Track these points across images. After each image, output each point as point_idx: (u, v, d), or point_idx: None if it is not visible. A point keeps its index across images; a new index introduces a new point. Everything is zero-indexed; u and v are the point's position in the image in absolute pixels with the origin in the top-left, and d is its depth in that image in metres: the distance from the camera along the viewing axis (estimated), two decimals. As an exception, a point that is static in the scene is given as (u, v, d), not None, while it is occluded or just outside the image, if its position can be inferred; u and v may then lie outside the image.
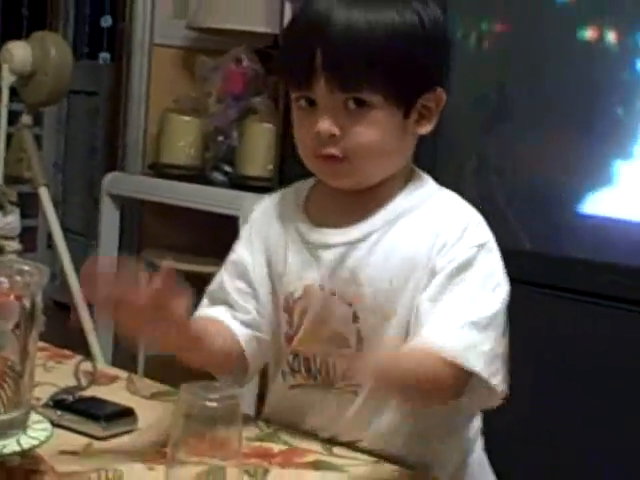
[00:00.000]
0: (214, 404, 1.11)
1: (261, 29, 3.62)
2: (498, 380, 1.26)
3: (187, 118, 4.03)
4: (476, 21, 2.99)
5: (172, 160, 4.00)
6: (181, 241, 4.14)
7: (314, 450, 1.34)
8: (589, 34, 2.77)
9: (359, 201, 1.34)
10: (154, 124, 4.22)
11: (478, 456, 1.44)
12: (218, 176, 3.86)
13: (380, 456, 1.33)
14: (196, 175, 3.94)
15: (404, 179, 1.36)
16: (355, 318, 1.32)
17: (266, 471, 1.24)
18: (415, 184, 1.36)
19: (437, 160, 3.03)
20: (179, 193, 3.79)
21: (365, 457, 1.33)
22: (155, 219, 4.31)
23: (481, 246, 1.30)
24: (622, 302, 2.63)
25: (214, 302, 1.47)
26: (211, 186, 3.79)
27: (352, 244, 1.33)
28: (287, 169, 3.31)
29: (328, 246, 1.34)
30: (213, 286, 1.49)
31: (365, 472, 1.29)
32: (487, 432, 1.47)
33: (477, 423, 1.44)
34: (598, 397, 2.65)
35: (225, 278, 1.47)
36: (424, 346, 1.25)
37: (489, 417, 1.44)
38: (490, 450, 1.49)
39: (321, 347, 1.35)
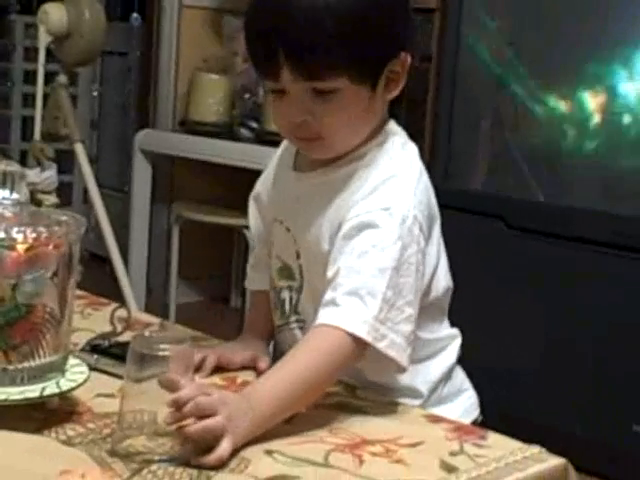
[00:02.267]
0: (166, 352, 1.13)
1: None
2: (384, 344, 1.28)
3: (215, 77, 4.13)
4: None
5: (201, 117, 4.11)
6: (210, 195, 4.26)
7: (338, 393, 1.37)
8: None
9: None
10: (184, 83, 4.33)
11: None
12: (245, 132, 3.96)
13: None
14: (224, 131, 4.04)
15: (372, 139, 1.40)
16: (298, 255, 1.43)
17: (294, 414, 1.25)
18: (376, 143, 1.40)
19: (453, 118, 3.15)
20: (208, 149, 3.90)
21: (386, 399, 1.37)
22: (185, 174, 4.42)
23: (384, 209, 1.32)
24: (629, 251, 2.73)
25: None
26: (238, 142, 3.89)
27: (304, 190, 1.42)
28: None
29: (290, 187, 1.45)
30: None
31: (386, 413, 1.33)
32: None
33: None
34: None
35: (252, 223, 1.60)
36: (317, 332, 1.28)
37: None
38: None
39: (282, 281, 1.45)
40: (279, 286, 1.48)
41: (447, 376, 1.49)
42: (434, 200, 1.42)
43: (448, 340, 1.50)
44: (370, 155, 1.39)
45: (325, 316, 1.29)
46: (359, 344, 1.28)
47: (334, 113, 1.33)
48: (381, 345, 1.28)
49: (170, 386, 1.13)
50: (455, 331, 1.51)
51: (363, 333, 1.27)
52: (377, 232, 1.31)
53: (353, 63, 1.30)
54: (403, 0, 1.38)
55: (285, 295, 1.47)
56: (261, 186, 1.56)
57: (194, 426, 1.12)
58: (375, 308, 1.28)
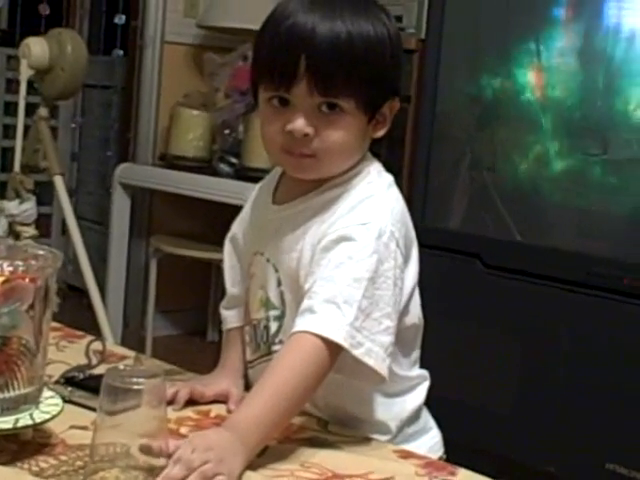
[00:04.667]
0: (140, 386, 1.14)
1: (267, 28, 3.70)
2: (361, 352, 1.30)
3: (196, 112, 4.16)
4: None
5: (181, 152, 4.14)
6: (188, 229, 4.27)
7: (309, 427, 1.39)
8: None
9: (305, 185, 1.44)
10: (165, 117, 4.36)
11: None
12: (224, 167, 3.99)
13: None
14: (203, 166, 4.07)
15: (351, 169, 1.43)
16: (279, 282, 1.45)
17: (265, 447, 1.27)
18: (354, 173, 1.43)
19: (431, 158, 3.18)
20: (187, 183, 3.92)
21: (357, 434, 1.39)
22: (164, 208, 4.43)
23: (361, 224, 1.35)
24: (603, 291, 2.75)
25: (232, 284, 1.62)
26: (218, 177, 3.91)
27: (283, 219, 1.45)
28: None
29: (270, 220, 1.47)
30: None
31: (357, 448, 1.34)
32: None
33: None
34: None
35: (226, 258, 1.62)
36: (294, 342, 1.31)
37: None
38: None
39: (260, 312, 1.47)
40: (257, 318, 1.49)
41: (415, 415, 1.51)
42: (411, 224, 1.45)
43: (419, 379, 1.52)
44: (349, 182, 1.42)
45: (302, 324, 1.31)
46: (336, 351, 1.30)
47: (335, 133, 1.37)
48: (357, 352, 1.30)
49: (150, 453, 1.14)
50: (426, 373, 1.54)
51: (340, 339, 1.29)
52: (353, 244, 1.34)
53: (364, 88, 1.36)
54: (402, 49, 1.44)
55: (264, 326, 1.47)
56: (237, 227, 1.59)
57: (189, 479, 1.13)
58: (351, 316, 1.30)
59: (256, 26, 4.06)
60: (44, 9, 4.80)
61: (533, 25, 2.98)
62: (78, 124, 5.27)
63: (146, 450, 1.14)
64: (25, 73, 3.51)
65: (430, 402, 1.54)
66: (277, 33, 1.37)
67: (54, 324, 1.51)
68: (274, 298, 1.45)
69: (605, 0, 2.85)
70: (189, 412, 1.42)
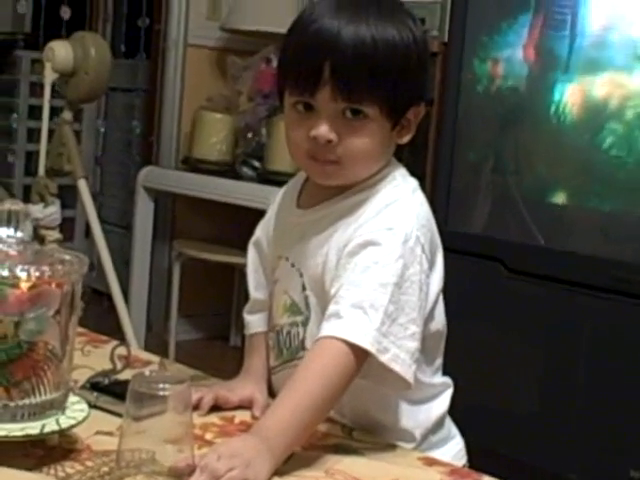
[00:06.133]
0: (166, 392, 1.15)
1: (290, 31, 3.71)
2: (387, 357, 1.30)
3: (219, 115, 4.17)
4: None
5: (204, 155, 4.15)
6: (211, 233, 4.28)
7: (334, 434, 1.39)
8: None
9: (330, 190, 1.44)
10: (187, 121, 4.37)
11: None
12: (247, 171, 4.00)
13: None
14: (226, 170, 4.07)
15: (376, 174, 1.44)
16: (303, 287, 1.45)
17: (290, 454, 1.27)
18: (379, 178, 1.43)
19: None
20: (210, 187, 3.92)
21: (381, 441, 1.38)
22: (187, 211, 4.44)
23: (387, 229, 1.35)
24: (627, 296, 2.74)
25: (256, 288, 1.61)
26: (240, 181, 3.93)
27: (308, 223, 1.45)
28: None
29: (295, 224, 1.47)
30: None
31: (382, 455, 1.33)
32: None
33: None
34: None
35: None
36: (319, 347, 1.31)
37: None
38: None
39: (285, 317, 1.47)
40: (281, 324, 1.49)
41: (440, 423, 1.50)
42: (436, 229, 1.45)
43: (443, 387, 1.51)
44: (374, 186, 1.42)
45: (328, 329, 1.31)
46: (362, 356, 1.30)
47: (358, 140, 1.37)
48: (384, 358, 1.30)
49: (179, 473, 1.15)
50: (449, 380, 1.53)
51: (367, 344, 1.29)
52: (379, 249, 1.34)
53: (388, 94, 1.35)
54: (428, 54, 1.45)
55: (287, 332, 1.47)
56: (261, 231, 1.59)
57: None
58: (377, 321, 1.30)
59: (278, 29, 4.04)
60: (65, 12, 4.81)
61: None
62: (102, 127, 5.29)
63: (174, 472, 1.14)
64: (49, 77, 3.51)
65: (451, 406, 1.53)
66: (303, 37, 1.38)
67: (79, 329, 1.49)
68: (299, 303, 1.45)
69: None
70: (214, 418, 1.42)
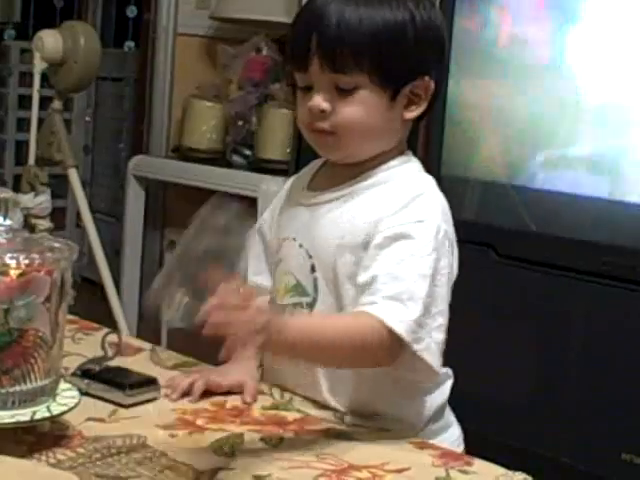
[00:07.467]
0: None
1: (280, 19, 3.69)
2: (421, 347, 1.32)
3: (209, 104, 4.14)
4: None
5: (194, 144, 4.13)
6: (202, 221, 4.26)
7: (326, 419, 1.40)
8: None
9: (344, 172, 1.47)
10: (178, 109, 4.34)
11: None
12: (238, 159, 3.98)
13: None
14: (217, 158, 4.05)
15: (390, 160, 1.47)
16: (313, 269, 1.46)
17: (281, 438, 1.30)
18: (395, 164, 1.47)
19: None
20: (201, 175, 3.90)
21: (373, 425, 1.39)
22: (178, 200, 4.42)
23: (418, 222, 1.38)
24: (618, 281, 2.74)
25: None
26: (231, 169, 3.90)
27: (320, 204, 1.47)
28: (303, 152, 3.39)
29: (305, 206, 1.50)
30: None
31: (373, 439, 1.35)
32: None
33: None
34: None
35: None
36: (355, 313, 1.35)
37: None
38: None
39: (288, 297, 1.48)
40: (283, 304, 1.49)
41: (440, 412, 1.51)
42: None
43: (445, 377, 1.53)
44: (389, 172, 1.46)
45: (369, 309, 1.33)
46: (394, 344, 1.31)
47: (351, 109, 1.41)
48: (418, 347, 1.32)
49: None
50: (450, 371, 1.54)
51: (402, 331, 1.31)
52: (413, 242, 1.37)
53: (373, 65, 1.39)
54: (439, 33, 1.47)
55: (290, 314, 1.47)
56: (265, 218, 1.61)
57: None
58: (416, 311, 1.32)
59: (268, 17, 4.02)
60: (59, 1, 4.80)
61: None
62: (91, 116, 5.27)
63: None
64: (39, 66, 3.51)
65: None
66: (298, 17, 1.48)
67: (70, 317, 1.52)
68: (305, 284, 1.46)
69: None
70: (205, 404, 1.42)
